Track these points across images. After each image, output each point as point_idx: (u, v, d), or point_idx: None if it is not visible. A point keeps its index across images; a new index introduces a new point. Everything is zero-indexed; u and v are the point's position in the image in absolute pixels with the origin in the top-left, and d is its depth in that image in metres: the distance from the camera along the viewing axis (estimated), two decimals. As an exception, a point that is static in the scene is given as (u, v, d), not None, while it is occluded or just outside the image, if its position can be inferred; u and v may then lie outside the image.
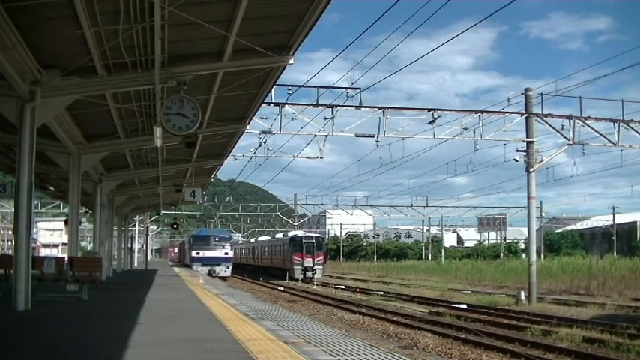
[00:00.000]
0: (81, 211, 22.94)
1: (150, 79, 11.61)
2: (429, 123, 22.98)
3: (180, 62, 11.69)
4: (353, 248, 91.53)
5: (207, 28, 9.93)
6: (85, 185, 20.09)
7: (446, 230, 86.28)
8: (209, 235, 44.86)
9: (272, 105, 22.04)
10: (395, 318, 18.95)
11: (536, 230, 34.50)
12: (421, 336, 14.84)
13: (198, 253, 42.10)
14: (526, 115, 23.01)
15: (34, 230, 44.57)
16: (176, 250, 78.00)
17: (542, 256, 48.79)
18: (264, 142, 24.65)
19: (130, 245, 46.10)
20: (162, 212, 48.60)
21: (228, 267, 42.17)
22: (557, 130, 23.47)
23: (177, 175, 26.34)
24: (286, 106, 22.24)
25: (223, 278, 38.92)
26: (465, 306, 22.08)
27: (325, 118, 22.55)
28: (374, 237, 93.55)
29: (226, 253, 42.62)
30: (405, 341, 14.25)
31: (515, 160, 23.66)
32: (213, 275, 38.64)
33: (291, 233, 47.31)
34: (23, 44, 9.84)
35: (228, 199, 70.58)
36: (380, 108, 22.72)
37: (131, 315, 10.39)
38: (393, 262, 67.32)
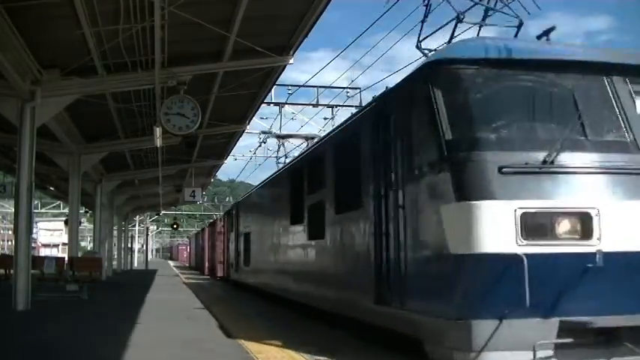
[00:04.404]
0: (81, 211, 22.97)
1: (150, 79, 11.63)
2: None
3: (180, 62, 11.71)
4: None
5: (207, 28, 9.94)
6: (85, 185, 20.09)
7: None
8: None
9: (272, 105, 22.04)
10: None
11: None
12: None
13: None
14: (526, 115, 22.97)
15: (34, 230, 44.54)
16: (205, 243, 34.59)
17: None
18: (264, 142, 24.61)
19: (129, 245, 46.00)
20: (162, 212, 48.57)
21: None
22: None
23: (177, 175, 26.35)
24: (286, 106, 22.25)
25: None
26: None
27: (325, 118, 22.58)
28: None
29: None
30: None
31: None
32: None
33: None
34: (23, 44, 9.85)
35: (228, 199, 70.60)
36: (380, 108, 22.67)
37: (131, 315, 10.38)
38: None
